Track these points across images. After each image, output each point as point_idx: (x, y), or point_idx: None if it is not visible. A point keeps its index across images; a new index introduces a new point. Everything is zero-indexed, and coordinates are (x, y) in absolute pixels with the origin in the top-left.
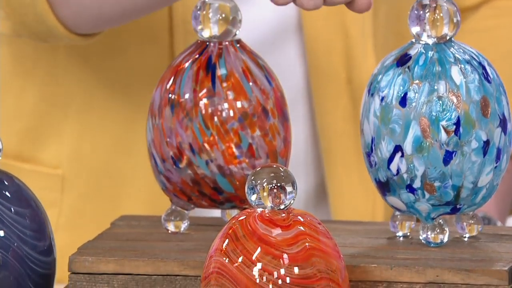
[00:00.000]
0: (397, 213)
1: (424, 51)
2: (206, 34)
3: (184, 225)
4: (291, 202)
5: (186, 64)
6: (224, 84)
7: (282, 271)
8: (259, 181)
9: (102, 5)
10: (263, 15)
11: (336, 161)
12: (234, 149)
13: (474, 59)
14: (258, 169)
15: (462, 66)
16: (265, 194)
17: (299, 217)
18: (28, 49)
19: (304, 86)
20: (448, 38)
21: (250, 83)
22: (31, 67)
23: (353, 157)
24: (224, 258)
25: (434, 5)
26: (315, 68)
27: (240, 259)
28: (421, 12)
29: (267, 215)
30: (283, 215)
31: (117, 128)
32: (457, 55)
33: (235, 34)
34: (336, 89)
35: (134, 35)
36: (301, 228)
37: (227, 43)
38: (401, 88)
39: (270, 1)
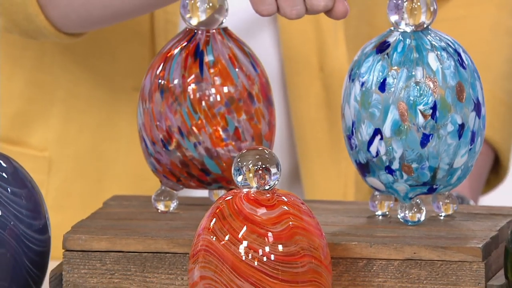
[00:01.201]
0: (377, 193)
1: (402, 39)
2: (194, 22)
3: (173, 205)
4: (276, 182)
5: (175, 51)
6: (212, 70)
7: (267, 249)
8: (245, 163)
9: (90, 8)
10: (238, 5)
11: (309, 146)
12: (221, 132)
13: (450, 46)
14: (244, 151)
15: (439, 53)
16: (250, 175)
17: (283, 197)
18: (16, 37)
19: (279, 74)
20: (425, 26)
21: (236, 69)
22: (19, 55)
23: (326, 142)
24: (212, 237)
25: None
26: (289, 57)
27: (226, 237)
28: (399, 1)
29: (253, 195)
30: (268, 195)
31: (101, 114)
32: (433, 43)
33: (222, 22)
34: (309, 76)
35: (116, 25)
36: (285, 207)
37: (214, 31)
38: (380, 74)
39: (255, 11)
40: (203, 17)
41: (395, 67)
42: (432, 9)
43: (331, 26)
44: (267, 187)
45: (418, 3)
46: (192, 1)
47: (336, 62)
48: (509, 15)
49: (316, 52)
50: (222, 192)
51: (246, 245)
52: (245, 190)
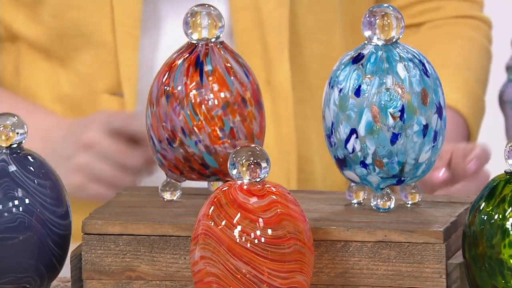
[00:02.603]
0: (353, 184)
1: (374, 51)
2: (195, 36)
3: (177, 194)
4: (266, 175)
5: (179, 62)
6: (210, 78)
7: (258, 233)
8: (239, 158)
9: None
10: None
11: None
12: (218, 132)
13: (416, 57)
14: (238, 148)
15: (406, 63)
16: (244, 169)
17: (272, 188)
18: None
19: None
20: (394, 40)
21: (232, 77)
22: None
23: (273, 146)
24: (210, 222)
25: (383, 13)
26: None
27: (223, 223)
28: (372, 18)
29: (246, 186)
30: (259, 186)
31: (76, 111)
32: (401, 54)
33: (219, 37)
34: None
35: (86, 36)
36: (274, 197)
37: (212, 44)
38: (356, 81)
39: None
40: (202, 32)
41: (369, 76)
42: (400, 25)
43: (276, 46)
44: (258, 179)
45: (389, 21)
46: (193, 19)
47: (281, 77)
48: (484, 36)
49: (264, 68)
50: (219, 183)
51: (240, 229)
52: (239, 182)
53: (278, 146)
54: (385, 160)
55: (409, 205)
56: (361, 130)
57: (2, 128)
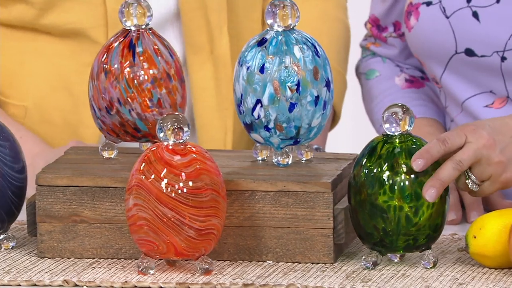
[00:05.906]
0: (258, 144)
1: (275, 36)
2: (128, 24)
3: (114, 153)
4: (187, 138)
5: (115, 44)
6: (141, 58)
7: (181, 184)
8: (165, 124)
9: None
10: (154, 8)
11: (202, 106)
12: (148, 102)
13: (309, 41)
14: (164, 116)
15: (301, 46)
16: (169, 132)
17: (193, 148)
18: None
19: (181, 55)
20: (291, 27)
21: (159, 57)
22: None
23: (213, 104)
24: (142, 176)
25: (282, 4)
26: (190, 43)
27: (152, 176)
28: (274, 9)
29: (171, 146)
30: (182, 146)
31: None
32: (297, 38)
33: (148, 24)
34: (203, 58)
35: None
36: (194, 155)
37: (142, 30)
38: (260, 61)
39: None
40: (134, 20)
41: (271, 56)
42: (296, 15)
43: (216, 23)
44: (181, 141)
45: (287, 11)
46: (127, 9)
47: (221, 48)
48: (336, 7)
49: (208, 41)
50: (149, 144)
51: (166, 182)
52: (165, 143)
53: (218, 104)
54: (284, 125)
55: (303, 161)
56: (265, 100)
57: None
